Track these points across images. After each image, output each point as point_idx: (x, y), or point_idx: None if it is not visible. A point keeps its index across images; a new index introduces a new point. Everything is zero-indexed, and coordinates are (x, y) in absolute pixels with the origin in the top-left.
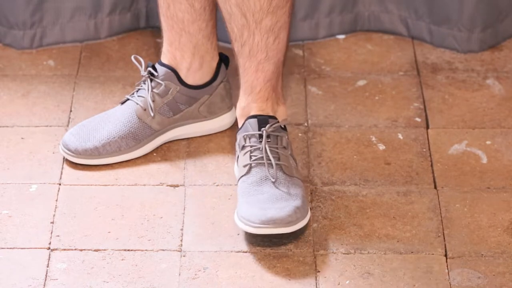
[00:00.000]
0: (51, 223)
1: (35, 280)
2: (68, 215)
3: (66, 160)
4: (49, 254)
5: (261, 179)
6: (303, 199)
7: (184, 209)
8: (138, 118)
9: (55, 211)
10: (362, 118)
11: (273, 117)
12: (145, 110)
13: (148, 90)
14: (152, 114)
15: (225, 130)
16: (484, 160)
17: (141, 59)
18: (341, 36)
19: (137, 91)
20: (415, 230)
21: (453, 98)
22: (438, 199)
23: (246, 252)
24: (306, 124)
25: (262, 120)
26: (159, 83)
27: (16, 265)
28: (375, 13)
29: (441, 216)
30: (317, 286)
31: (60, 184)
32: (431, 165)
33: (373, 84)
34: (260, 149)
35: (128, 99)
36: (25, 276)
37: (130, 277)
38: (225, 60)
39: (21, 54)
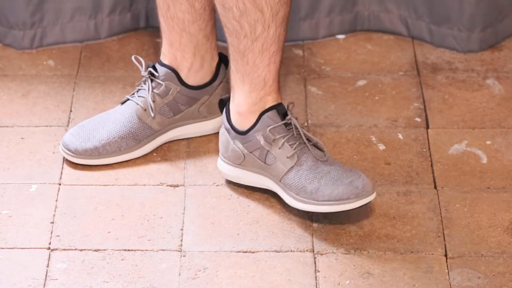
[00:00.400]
0: (51, 223)
1: (35, 280)
2: (68, 215)
3: (66, 160)
4: (49, 254)
5: (315, 161)
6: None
7: (184, 209)
8: (138, 118)
9: (55, 211)
10: (362, 118)
11: (281, 104)
12: (145, 110)
13: (149, 90)
14: (152, 115)
15: None
16: (484, 160)
17: (141, 59)
18: (341, 36)
19: (137, 91)
20: (415, 230)
21: (453, 98)
22: (438, 199)
23: (246, 252)
24: (306, 124)
25: (280, 109)
26: (159, 83)
27: (16, 265)
28: (375, 13)
29: (441, 216)
30: (317, 286)
31: (60, 184)
32: (431, 165)
33: (373, 84)
34: (294, 135)
35: (128, 99)
36: (25, 276)
37: (130, 277)
38: (224, 60)
39: (21, 54)
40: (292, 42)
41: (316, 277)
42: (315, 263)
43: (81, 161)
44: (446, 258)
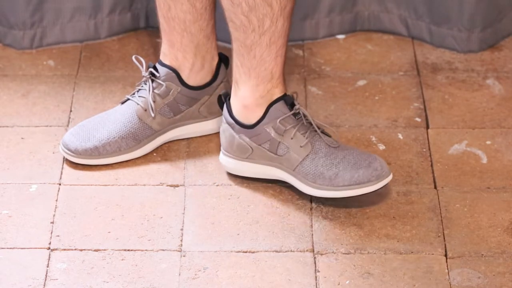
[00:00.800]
0: (51, 223)
1: (35, 280)
2: (68, 215)
3: (66, 160)
4: (49, 254)
5: (328, 148)
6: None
7: (184, 209)
8: (139, 118)
9: (55, 211)
10: (362, 118)
11: (288, 94)
12: (145, 110)
13: (149, 90)
14: (152, 115)
15: None
16: (484, 160)
17: (142, 59)
18: (341, 36)
19: (137, 91)
20: (415, 230)
21: (453, 98)
22: (438, 199)
23: (246, 252)
24: None
25: (288, 100)
26: (160, 83)
27: (16, 265)
28: (375, 13)
29: (441, 216)
30: (317, 286)
31: (60, 184)
32: (431, 165)
33: (373, 84)
34: (304, 124)
35: (128, 99)
36: (25, 276)
37: (130, 277)
38: (224, 60)
39: (21, 54)
40: (292, 42)
41: (316, 277)
42: (315, 263)
43: (81, 161)
44: (446, 258)
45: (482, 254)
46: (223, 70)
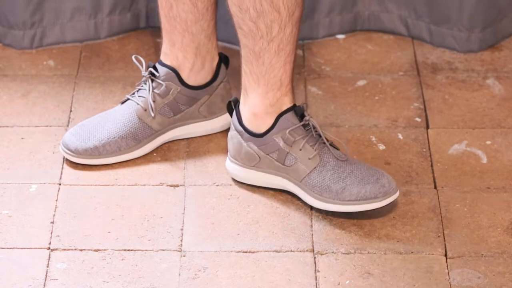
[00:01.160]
0: (51, 223)
1: (35, 280)
2: (68, 215)
3: (66, 160)
4: (49, 254)
5: (337, 161)
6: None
7: (184, 209)
8: (139, 118)
9: (55, 211)
10: (362, 118)
11: (297, 105)
12: (145, 110)
13: (149, 90)
14: (152, 115)
15: (225, 130)
16: (484, 160)
17: (141, 59)
18: (341, 36)
19: (137, 91)
20: (415, 230)
21: (453, 98)
22: (438, 199)
23: (246, 252)
24: None
25: (298, 111)
26: (160, 83)
27: (16, 265)
28: (375, 13)
29: (441, 216)
30: (317, 286)
31: (60, 184)
32: (431, 165)
33: (373, 84)
34: (313, 135)
35: (128, 99)
36: (25, 276)
37: (130, 277)
38: (224, 60)
39: (21, 54)
40: None
41: (316, 277)
42: (315, 263)
43: (81, 161)
44: (446, 258)
45: (482, 254)
46: (223, 70)
